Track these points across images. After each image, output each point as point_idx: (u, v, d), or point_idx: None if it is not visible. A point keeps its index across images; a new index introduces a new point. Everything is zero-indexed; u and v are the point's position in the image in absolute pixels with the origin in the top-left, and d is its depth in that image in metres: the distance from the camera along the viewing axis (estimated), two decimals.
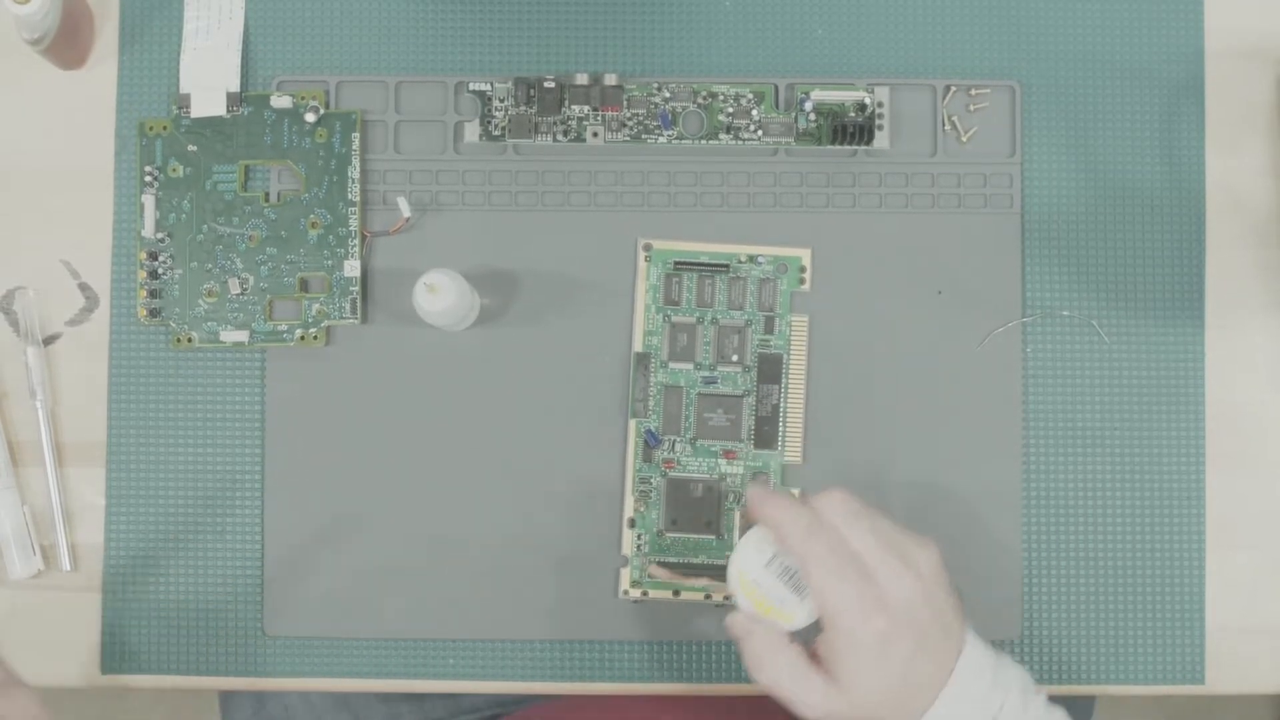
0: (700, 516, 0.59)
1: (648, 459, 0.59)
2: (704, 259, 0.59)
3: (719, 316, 0.59)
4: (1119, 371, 0.60)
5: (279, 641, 0.60)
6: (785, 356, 0.59)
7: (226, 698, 0.73)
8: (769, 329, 0.59)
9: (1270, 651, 0.60)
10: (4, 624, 0.60)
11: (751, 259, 0.59)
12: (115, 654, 0.60)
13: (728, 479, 0.59)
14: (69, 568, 0.60)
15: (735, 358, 0.59)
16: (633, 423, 0.59)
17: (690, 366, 0.59)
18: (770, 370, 0.59)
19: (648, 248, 0.59)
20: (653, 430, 0.59)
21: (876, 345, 0.60)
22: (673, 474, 0.59)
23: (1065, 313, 0.60)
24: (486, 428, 0.60)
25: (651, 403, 0.59)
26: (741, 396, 0.59)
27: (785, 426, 0.59)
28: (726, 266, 0.59)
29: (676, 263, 0.59)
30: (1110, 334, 0.60)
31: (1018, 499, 0.60)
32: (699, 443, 0.59)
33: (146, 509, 0.60)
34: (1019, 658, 0.60)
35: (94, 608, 0.60)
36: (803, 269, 0.59)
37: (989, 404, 0.60)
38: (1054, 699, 0.53)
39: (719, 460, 0.59)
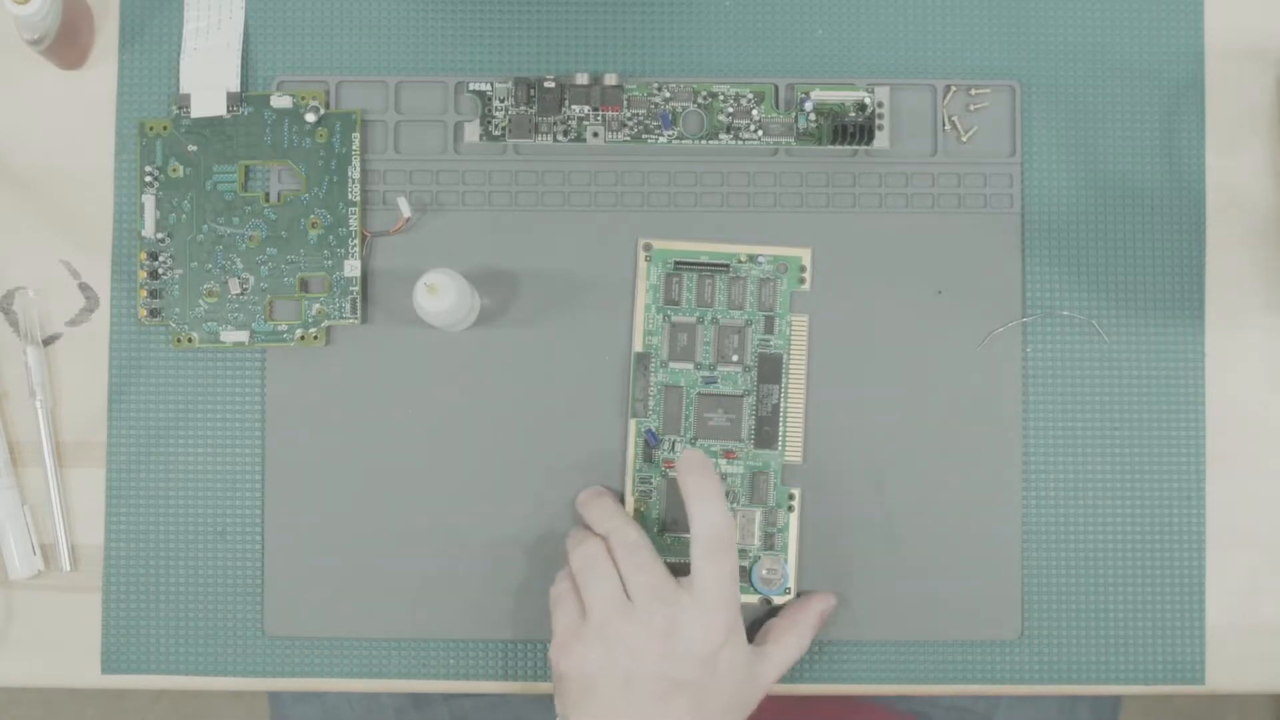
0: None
1: (648, 459, 0.59)
2: (704, 259, 0.59)
3: (719, 316, 0.59)
4: (1119, 371, 0.60)
5: (279, 641, 0.60)
6: (785, 356, 0.59)
7: (277, 698, 0.74)
8: (769, 329, 0.59)
9: (1270, 651, 0.60)
10: (4, 624, 0.60)
11: (751, 259, 0.59)
12: (115, 654, 0.60)
13: (727, 479, 0.59)
14: (69, 568, 0.60)
15: (735, 358, 0.59)
16: (633, 422, 0.59)
17: (690, 366, 0.59)
18: (770, 370, 0.59)
19: (648, 248, 0.59)
20: (652, 430, 0.59)
21: (876, 345, 0.60)
22: (673, 474, 0.59)
23: (1065, 313, 0.60)
24: (487, 428, 0.60)
25: (651, 403, 0.59)
26: (742, 396, 0.59)
27: (785, 426, 0.59)
28: (726, 266, 0.59)
29: (677, 262, 0.59)
30: (1110, 334, 0.60)
31: (1018, 499, 0.60)
32: (699, 443, 0.59)
33: (146, 509, 0.60)
34: (1019, 658, 0.60)
35: (94, 608, 0.60)
36: (803, 269, 0.59)
37: (989, 404, 0.60)
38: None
39: (719, 460, 0.59)
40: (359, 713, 0.72)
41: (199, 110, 0.60)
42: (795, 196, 0.60)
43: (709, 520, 0.53)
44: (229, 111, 0.60)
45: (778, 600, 0.59)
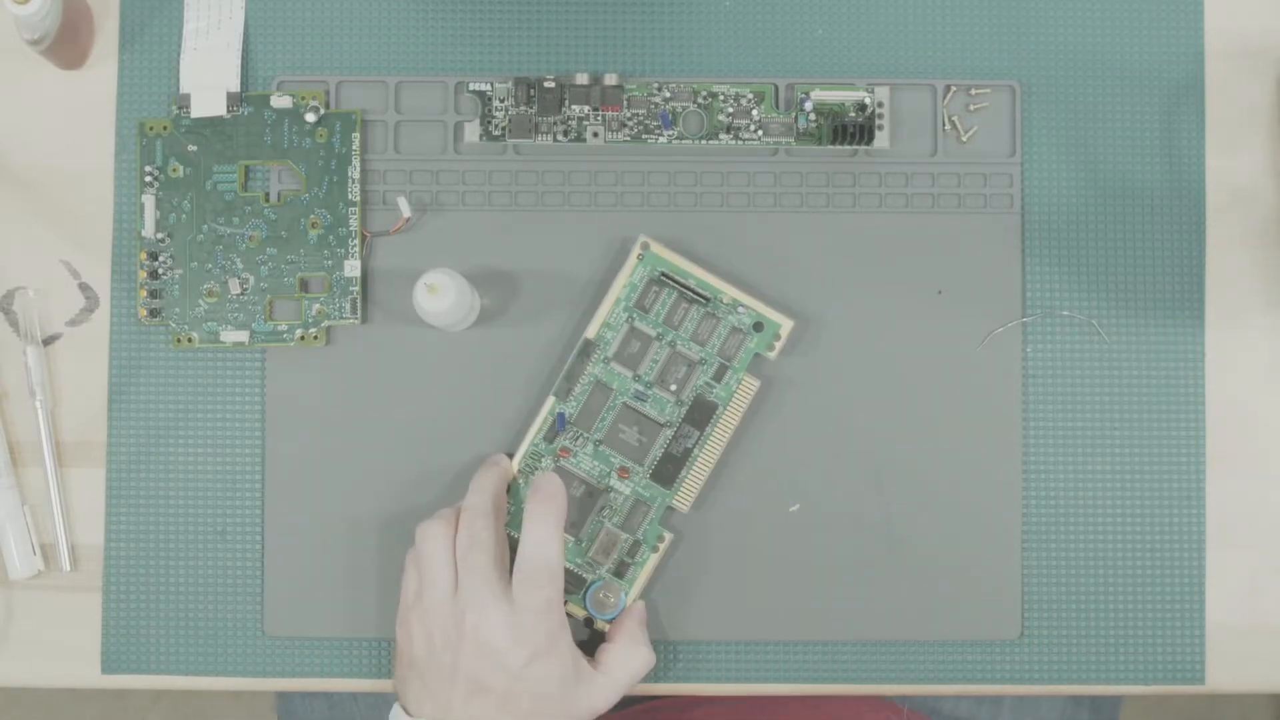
0: (568, 515, 0.58)
1: (549, 439, 0.58)
2: (692, 282, 0.58)
3: (678, 342, 0.58)
4: (1119, 371, 0.60)
5: (279, 641, 0.60)
6: (720, 409, 0.58)
7: (286, 700, 0.74)
8: (718, 376, 0.58)
9: (1270, 651, 0.60)
10: (4, 624, 0.60)
11: (734, 305, 0.58)
12: (115, 654, 0.60)
13: (612, 493, 0.58)
14: (69, 568, 0.60)
15: (674, 387, 0.58)
16: (551, 399, 0.58)
17: (629, 375, 0.58)
18: (699, 415, 0.58)
19: (645, 246, 0.59)
20: (565, 415, 0.58)
21: (876, 345, 0.60)
22: (564, 463, 0.58)
23: (1065, 313, 0.60)
24: (486, 428, 0.60)
25: (578, 390, 0.58)
26: (662, 426, 0.58)
27: (688, 472, 0.58)
28: (707, 300, 0.58)
29: (662, 273, 0.58)
30: (1110, 334, 0.60)
31: (1018, 499, 0.60)
32: (602, 448, 0.58)
33: (146, 509, 0.60)
34: (1018, 658, 0.60)
35: (94, 608, 0.60)
36: (777, 337, 0.58)
37: (989, 404, 0.60)
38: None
39: (612, 473, 0.58)
40: (363, 709, 0.72)
41: (199, 110, 0.60)
42: (795, 196, 0.60)
43: (535, 544, 0.54)
44: (229, 111, 0.60)
45: (601, 625, 0.58)
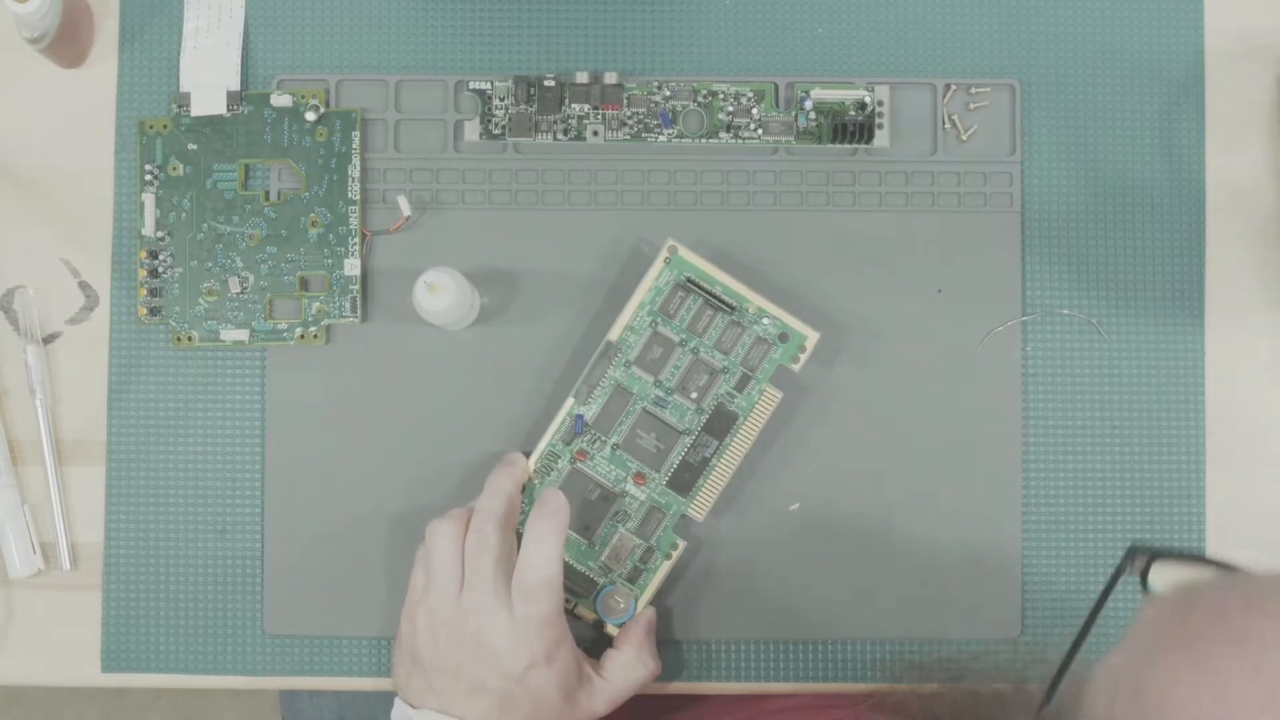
0: (583, 518, 0.58)
1: (566, 441, 0.58)
2: (718, 289, 0.58)
3: (701, 349, 0.58)
4: (1119, 371, 0.60)
5: (279, 641, 0.60)
6: (741, 419, 0.58)
7: (293, 699, 0.74)
8: (740, 386, 0.58)
9: None
10: (4, 623, 0.60)
11: (760, 314, 0.58)
12: (115, 653, 0.60)
13: (627, 498, 0.58)
14: (69, 567, 0.60)
15: (695, 395, 0.58)
16: (570, 400, 0.58)
17: (650, 380, 0.58)
18: (720, 424, 0.58)
19: (673, 249, 0.58)
20: (583, 417, 0.58)
21: (876, 345, 0.60)
22: (580, 466, 0.58)
23: (1065, 312, 0.60)
24: (486, 427, 0.60)
25: (598, 392, 0.58)
26: (681, 433, 0.58)
27: (704, 481, 0.58)
28: (733, 309, 0.58)
29: (688, 279, 0.58)
30: (1110, 333, 0.60)
31: (1018, 498, 0.60)
32: (619, 453, 0.58)
33: (146, 507, 0.60)
34: (1018, 657, 0.60)
35: (94, 607, 0.60)
36: (802, 349, 0.58)
37: (989, 403, 0.60)
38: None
39: (628, 478, 0.58)
40: (373, 708, 0.72)
41: (199, 109, 0.60)
42: (795, 195, 0.60)
43: (533, 562, 0.54)
44: (229, 110, 0.60)
45: (610, 629, 0.58)
